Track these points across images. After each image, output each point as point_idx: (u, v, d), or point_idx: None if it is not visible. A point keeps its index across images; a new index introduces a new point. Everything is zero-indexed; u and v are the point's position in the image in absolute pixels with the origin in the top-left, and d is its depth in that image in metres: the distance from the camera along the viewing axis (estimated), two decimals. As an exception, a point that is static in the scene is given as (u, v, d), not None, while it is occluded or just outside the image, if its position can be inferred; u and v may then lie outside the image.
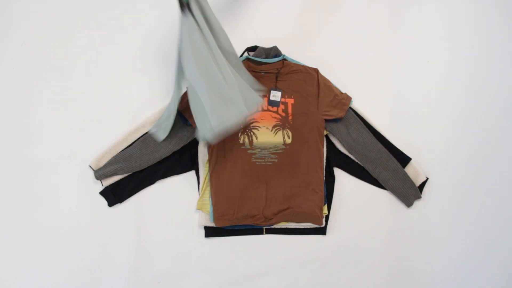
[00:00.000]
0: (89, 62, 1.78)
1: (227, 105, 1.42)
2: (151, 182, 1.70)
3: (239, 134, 1.66)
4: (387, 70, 1.79)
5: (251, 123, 1.66)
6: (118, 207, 1.70)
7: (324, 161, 1.69)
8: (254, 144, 1.65)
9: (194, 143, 1.71)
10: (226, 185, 1.64)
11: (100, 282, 1.66)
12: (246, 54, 1.74)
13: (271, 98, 1.68)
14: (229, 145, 1.65)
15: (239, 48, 1.77)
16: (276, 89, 1.68)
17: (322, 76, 1.71)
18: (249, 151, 1.65)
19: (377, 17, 1.82)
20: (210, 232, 1.68)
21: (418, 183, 1.70)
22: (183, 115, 1.65)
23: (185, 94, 1.64)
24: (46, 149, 1.72)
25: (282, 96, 1.68)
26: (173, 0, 1.81)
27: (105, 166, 1.66)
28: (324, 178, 1.68)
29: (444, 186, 1.72)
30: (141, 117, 1.73)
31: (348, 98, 1.70)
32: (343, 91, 1.73)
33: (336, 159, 1.72)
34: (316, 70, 1.71)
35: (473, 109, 1.77)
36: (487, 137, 1.75)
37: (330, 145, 1.72)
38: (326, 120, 1.68)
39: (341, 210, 1.70)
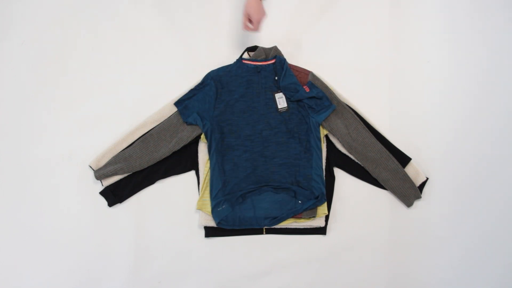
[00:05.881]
0: (89, 62, 1.78)
1: None
2: (151, 182, 1.70)
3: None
4: (387, 70, 1.79)
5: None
6: (118, 207, 1.70)
7: (324, 161, 1.69)
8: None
9: (194, 143, 1.71)
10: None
11: (100, 282, 1.66)
12: (246, 54, 1.74)
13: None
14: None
15: (239, 48, 1.77)
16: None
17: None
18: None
19: (377, 17, 1.82)
20: (210, 232, 1.68)
21: (418, 183, 1.70)
22: None
23: None
24: (46, 149, 1.72)
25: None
26: (174, 0, 1.83)
27: (105, 166, 1.66)
28: (324, 178, 1.68)
29: (444, 186, 1.72)
30: (141, 117, 1.73)
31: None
32: (343, 91, 1.73)
33: (336, 159, 1.72)
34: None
35: (473, 109, 1.77)
36: (488, 137, 1.75)
37: (330, 145, 1.72)
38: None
39: (341, 210, 1.70)
